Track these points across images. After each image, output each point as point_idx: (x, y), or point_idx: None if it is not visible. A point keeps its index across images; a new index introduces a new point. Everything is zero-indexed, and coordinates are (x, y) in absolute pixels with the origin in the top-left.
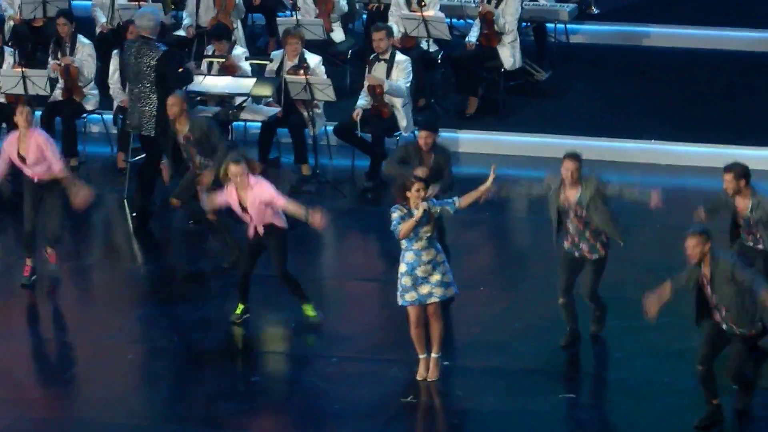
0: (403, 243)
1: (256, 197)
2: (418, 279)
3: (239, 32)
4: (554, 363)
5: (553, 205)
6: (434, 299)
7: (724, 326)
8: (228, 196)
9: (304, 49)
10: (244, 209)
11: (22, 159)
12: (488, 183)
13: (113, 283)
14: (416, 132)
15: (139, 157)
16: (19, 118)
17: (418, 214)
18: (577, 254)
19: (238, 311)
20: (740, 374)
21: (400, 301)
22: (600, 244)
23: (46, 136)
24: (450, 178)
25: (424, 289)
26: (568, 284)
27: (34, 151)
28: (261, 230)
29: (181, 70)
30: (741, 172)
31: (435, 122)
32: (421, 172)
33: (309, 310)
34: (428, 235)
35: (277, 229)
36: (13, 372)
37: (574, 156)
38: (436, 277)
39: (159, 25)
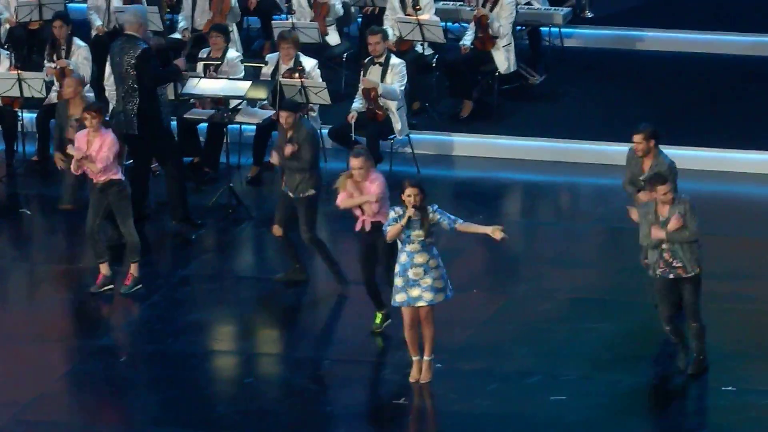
0: (399, 244)
1: (370, 189)
2: (409, 281)
3: (235, 35)
4: (546, 365)
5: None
6: (422, 303)
7: None
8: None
9: (299, 53)
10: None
11: (87, 158)
12: (492, 234)
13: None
14: (409, 135)
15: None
16: (87, 123)
17: (403, 219)
18: (672, 275)
19: (378, 320)
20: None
21: (392, 302)
22: (695, 261)
23: (113, 138)
24: (305, 160)
25: (414, 292)
26: (671, 312)
27: (97, 151)
28: (368, 226)
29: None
30: (651, 132)
31: (295, 103)
32: (288, 149)
33: (378, 317)
34: (421, 239)
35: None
36: (5, 374)
37: (659, 179)
38: (426, 281)
39: (145, 23)
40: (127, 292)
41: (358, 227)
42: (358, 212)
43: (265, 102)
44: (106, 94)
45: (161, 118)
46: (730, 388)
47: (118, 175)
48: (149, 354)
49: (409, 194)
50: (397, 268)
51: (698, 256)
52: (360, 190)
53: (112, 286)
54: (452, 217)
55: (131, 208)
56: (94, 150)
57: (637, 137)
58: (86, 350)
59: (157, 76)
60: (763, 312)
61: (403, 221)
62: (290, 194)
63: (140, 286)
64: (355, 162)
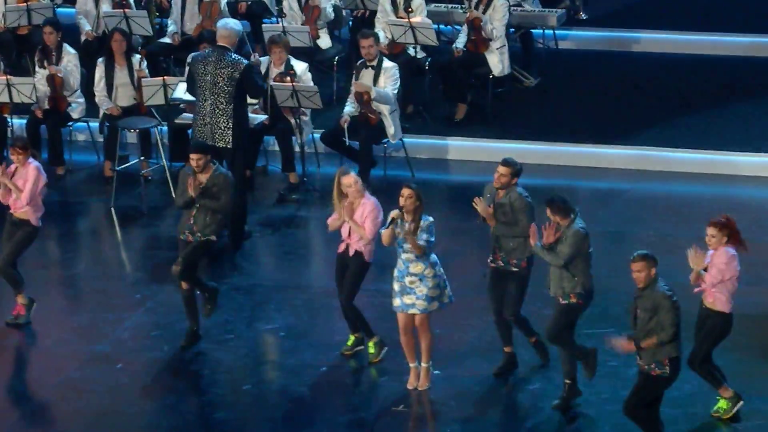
0: (397, 250)
1: (363, 212)
2: (405, 288)
3: None
4: (546, 372)
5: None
6: (415, 311)
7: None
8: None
9: (291, 56)
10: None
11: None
12: None
13: (101, 292)
14: (403, 139)
15: (125, 165)
16: (15, 160)
17: (388, 222)
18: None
19: (349, 343)
20: (634, 409)
21: (392, 305)
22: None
23: (37, 170)
24: (222, 204)
25: (408, 300)
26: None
27: (18, 181)
28: (352, 251)
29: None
30: (517, 171)
31: (205, 144)
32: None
33: (371, 347)
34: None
35: (362, 256)
36: (1, 383)
37: (549, 201)
38: (421, 290)
39: (239, 36)
40: (25, 321)
41: (341, 249)
42: (345, 235)
43: (257, 106)
44: (96, 99)
45: (248, 129)
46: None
47: (35, 222)
48: (146, 361)
49: (401, 194)
50: (395, 273)
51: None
52: (355, 210)
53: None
54: (430, 241)
55: (23, 253)
56: (17, 177)
57: (502, 169)
58: (82, 357)
59: (261, 89)
60: (765, 317)
61: (388, 225)
62: (190, 239)
63: (33, 307)
64: (348, 179)
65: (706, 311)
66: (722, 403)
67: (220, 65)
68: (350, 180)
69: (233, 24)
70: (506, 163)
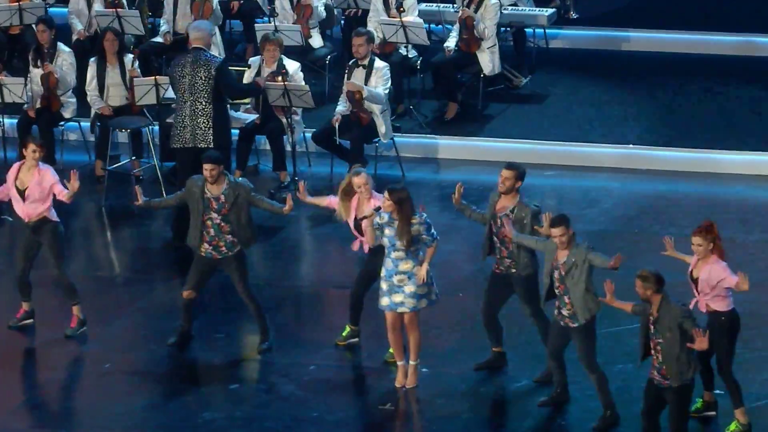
0: (385, 249)
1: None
2: (393, 287)
3: (217, 38)
4: (533, 369)
5: (547, 266)
6: (404, 309)
7: (656, 377)
8: (349, 209)
9: (283, 56)
10: (359, 223)
11: (21, 193)
12: (420, 271)
13: (91, 292)
14: (394, 138)
15: (116, 165)
16: (28, 155)
17: (367, 221)
18: (561, 323)
19: (344, 333)
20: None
21: (378, 305)
22: (581, 312)
23: (53, 173)
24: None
25: (397, 298)
26: (553, 350)
27: (35, 188)
28: (366, 248)
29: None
30: (521, 173)
31: (218, 155)
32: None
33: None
34: (404, 248)
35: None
36: None
37: (560, 220)
38: (410, 288)
39: (212, 36)
40: (73, 334)
41: (355, 247)
42: (356, 233)
43: (249, 106)
44: (88, 99)
45: (229, 129)
46: (718, 391)
47: (54, 216)
48: (134, 360)
49: (384, 198)
50: (383, 273)
51: (586, 310)
52: (364, 211)
53: (32, 320)
54: (434, 235)
55: (65, 250)
56: (32, 185)
57: (507, 173)
58: (70, 357)
59: (235, 88)
60: (750, 314)
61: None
62: (217, 256)
63: (85, 327)
64: (359, 180)
65: (708, 317)
66: (733, 426)
67: (196, 65)
68: (361, 180)
69: (204, 24)
70: (510, 166)
